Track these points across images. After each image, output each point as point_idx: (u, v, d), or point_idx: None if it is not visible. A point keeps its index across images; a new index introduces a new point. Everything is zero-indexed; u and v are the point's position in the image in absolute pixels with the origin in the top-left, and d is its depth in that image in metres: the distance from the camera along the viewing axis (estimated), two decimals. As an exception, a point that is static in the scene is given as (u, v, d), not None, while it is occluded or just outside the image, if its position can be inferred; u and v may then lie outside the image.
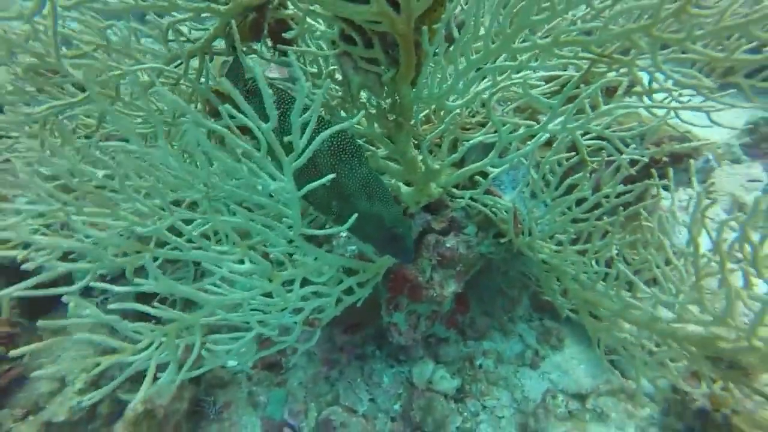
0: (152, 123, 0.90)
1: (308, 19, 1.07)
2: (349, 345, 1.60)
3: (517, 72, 1.07)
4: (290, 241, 1.00)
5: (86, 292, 1.66)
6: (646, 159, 1.07)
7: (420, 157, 1.24)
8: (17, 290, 0.87)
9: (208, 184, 0.83)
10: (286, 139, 0.77)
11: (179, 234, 0.89)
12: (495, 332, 1.78)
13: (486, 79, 1.07)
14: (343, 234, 1.44)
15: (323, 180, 0.80)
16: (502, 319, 1.78)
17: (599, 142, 1.08)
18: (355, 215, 0.88)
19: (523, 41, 0.93)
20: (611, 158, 1.08)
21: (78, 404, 1.27)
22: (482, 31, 0.96)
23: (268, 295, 1.02)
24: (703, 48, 0.80)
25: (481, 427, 1.52)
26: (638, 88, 1.04)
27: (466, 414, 1.57)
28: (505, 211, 1.29)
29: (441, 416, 1.47)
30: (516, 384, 1.65)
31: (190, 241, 0.91)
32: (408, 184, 1.33)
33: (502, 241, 1.46)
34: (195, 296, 0.91)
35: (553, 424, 1.37)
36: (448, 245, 1.35)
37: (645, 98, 1.07)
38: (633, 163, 1.09)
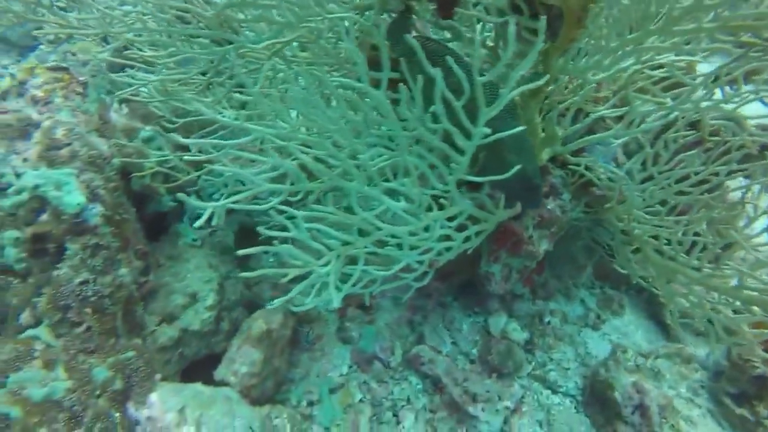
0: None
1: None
2: (437, 292, 1.75)
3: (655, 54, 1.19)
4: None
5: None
6: (765, 140, 1.21)
7: (541, 125, 1.36)
8: (228, 202, 1.01)
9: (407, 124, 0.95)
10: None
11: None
12: (560, 295, 1.95)
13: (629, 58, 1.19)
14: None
15: (516, 130, 0.93)
16: (568, 284, 1.94)
17: (722, 122, 1.21)
18: (518, 167, 1.01)
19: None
20: (726, 139, 1.21)
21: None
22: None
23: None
24: None
25: (550, 374, 1.69)
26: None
27: (534, 363, 1.74)
28: (611, 180, 1.43)
29: (520, 359, 1.64)
30: (579, 341, 1.82)
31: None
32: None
33: (589, 210, 1.61)
34: (373, 223, 1.05)
35: (623, 374, 1.54)
36: (548, 207, 1.49)
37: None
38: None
